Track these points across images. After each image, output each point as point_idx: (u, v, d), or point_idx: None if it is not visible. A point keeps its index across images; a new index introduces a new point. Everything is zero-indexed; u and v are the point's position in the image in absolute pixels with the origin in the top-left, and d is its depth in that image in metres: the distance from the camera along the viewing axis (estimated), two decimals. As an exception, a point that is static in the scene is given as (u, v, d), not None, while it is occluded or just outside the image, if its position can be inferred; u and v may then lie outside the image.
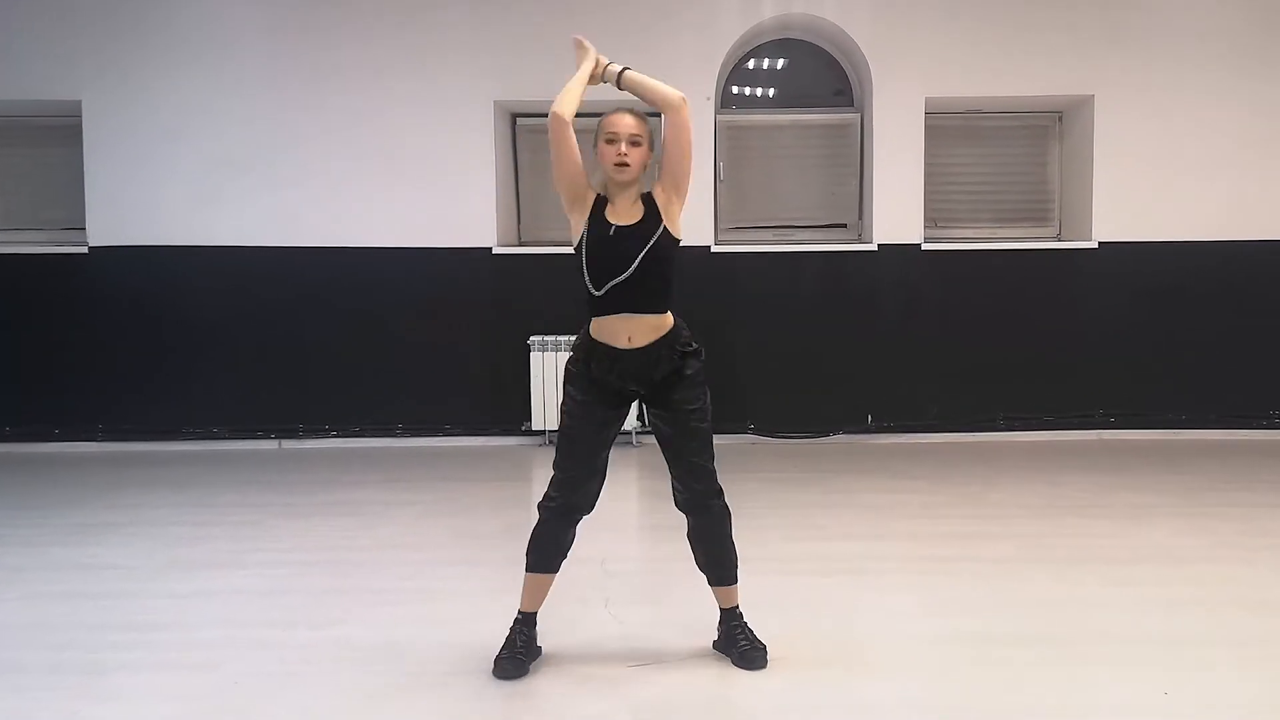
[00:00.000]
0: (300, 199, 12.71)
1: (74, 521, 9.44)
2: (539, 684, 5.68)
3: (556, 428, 5.90)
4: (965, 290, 12.82)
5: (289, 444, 12.92)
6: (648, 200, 5.84)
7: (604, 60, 5.90)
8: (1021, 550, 8.17)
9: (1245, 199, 12.66)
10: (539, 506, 5.82)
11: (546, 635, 6.01)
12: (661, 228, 5.72)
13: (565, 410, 5.83)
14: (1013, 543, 8.39)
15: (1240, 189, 12.65)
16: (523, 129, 13.41)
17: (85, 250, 12.77)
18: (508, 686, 5.63)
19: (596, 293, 5.71)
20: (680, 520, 5.89)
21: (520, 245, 13.29)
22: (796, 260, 12.85)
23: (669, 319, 5.79)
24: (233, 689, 5.68)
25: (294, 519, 9.52)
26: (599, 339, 5.76)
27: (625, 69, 5.87)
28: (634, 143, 5.77)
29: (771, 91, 13.67)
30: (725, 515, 5.93)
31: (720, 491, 5.89)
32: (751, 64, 13.55)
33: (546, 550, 5.84)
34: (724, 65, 12.92)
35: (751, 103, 13.60)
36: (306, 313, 12.84)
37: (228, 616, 6.86)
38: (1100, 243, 12.71)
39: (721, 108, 13.20)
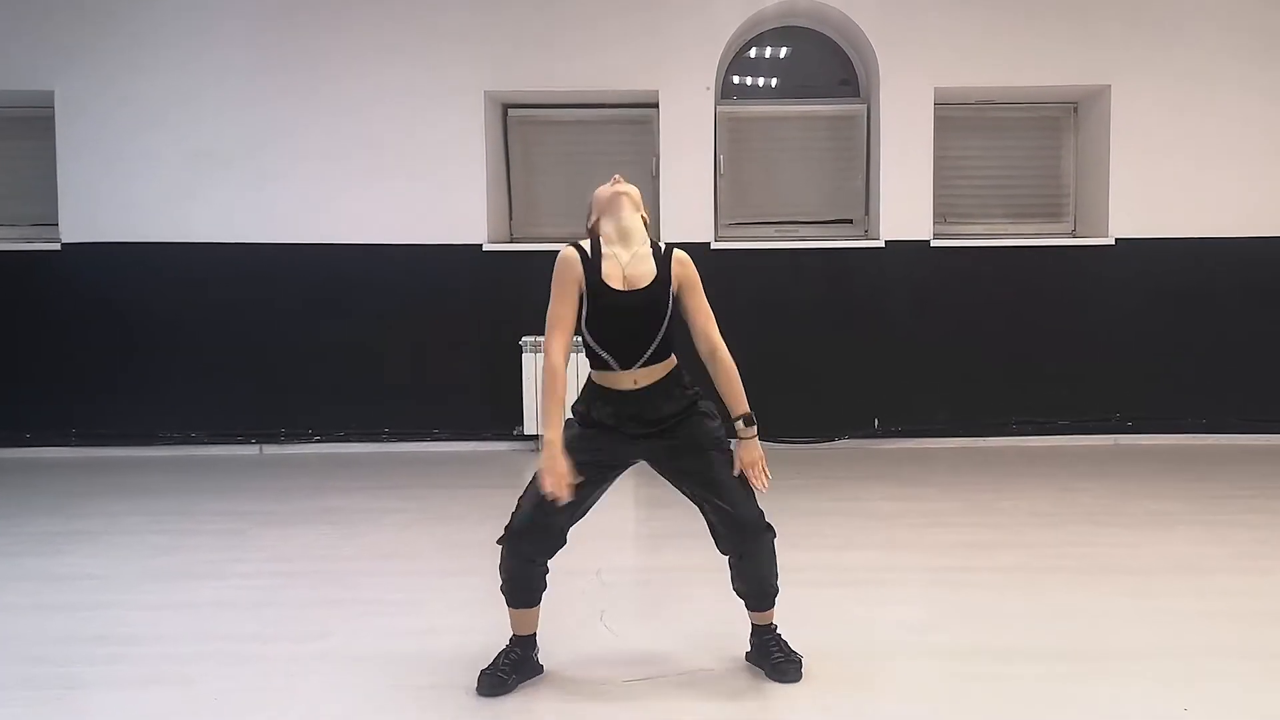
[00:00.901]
0: (282, 193, 12.72)
1: (46, 530, 9.44)
2: (530, 699, 5.68)
3: (535, 477, 5.69)
4: (976, 289, 12.82)
5: (270, 449, 12.92)
6: (659, 261, 5.85)
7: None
8: (1035, 560, 8.17)
9: (1269, 193, 12.67)
10: (502, 545, 5.76)
11: (540, 646, 6.00)
12: (670, 295, 5.77)
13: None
14: (1026, 552, 8.39)
15: (1265, 183, 12.66)
16: (514, 120, 13.40)
17: (58, 247, 12.76)
18: (497, 702, 5.64)
19: (618, 367, 5.75)
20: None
21: (512, 242, 13.28)
22: (800, 257, 12.83)
23: (673, 360, 5.85)
24: (211, 705, 5.68)
25: (276, 527, 9.52)
26: (603, 384, 5.79)
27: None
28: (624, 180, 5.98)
29: (774, 81, 13.68)
30: (772, 544, 5.87)
31: (766, 523, 5.83)
32: (753, 53, 13.55)
33: (520, 590, 5.83)
34: (725, 54, 12.91)
35: (753, 93, 13.61)
36: (289, 312, 12.85)
37: (207, 629, 6.86)
38: (1117, 239, 12.71)
39: (722, 98, 13.22)
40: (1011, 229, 13.37)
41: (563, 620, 6.35)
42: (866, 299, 12.88)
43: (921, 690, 5.79)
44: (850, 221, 13.43)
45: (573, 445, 5.63)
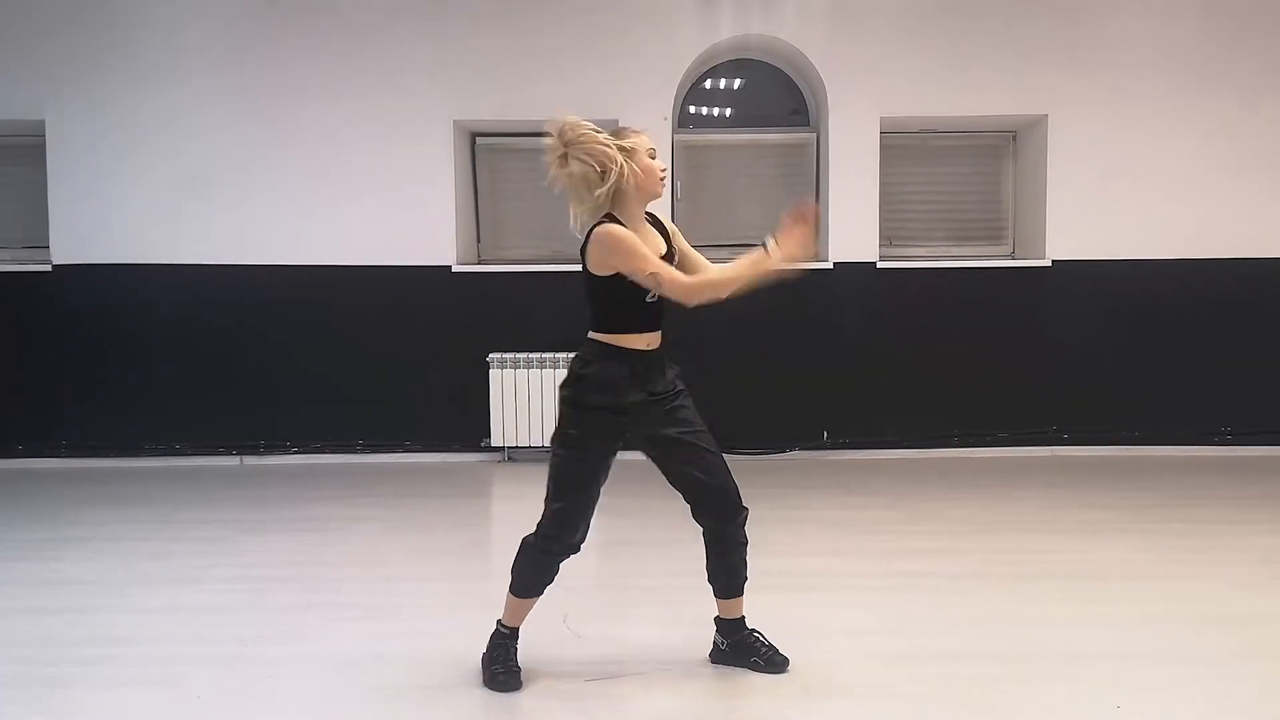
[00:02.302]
0: (262, 217, 12.74)
1: (37, 536, 9.45)
2: (497, 699, 5.73)
3: (559, 458, 5.77)
4: (920, 308, 12.88)
5: (250, 460, 12.91)
6: (655, 224, 6.03)
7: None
8: (978, 566, 8.22)
9: (1198, 218, 12.75)
10: (536, 545, 5.81)
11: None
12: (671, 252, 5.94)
13: (575, 438, 5.74)
14: (968, 559, 8.44)
15: (1193, 208, 12.75)
16: (482, 148, 13.43)
17: (49, 268, 12.75)
18: (466, 701, 5.70)
19: (647, 329, 5.87)
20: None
21: (480, 263, 13.30)
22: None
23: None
24: (195, 705, 5.71)
25: (257, 535, 9.54)
26: (618, 344, 5.76)
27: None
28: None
29: (728, 111, 13.72)
30: (745, 525, 6.07)
31: (743, 503, 6.04)
32: (709, 84, 13.60)
33: (541, 582, 5.90)
34: (681, 85, 12.97)
35: (709, 122, 13.64)
36: (268, 330, 12.86)
37: (190, 632, 6.89)
38: (1054, 261, 12.79)
39: (679, 127, 13.27)
40: (954, 251, 13.44)
41: (527, 623, 6.31)
42: (816, 318, 12.90)
43: (867, 690, 5.85)
44: (800, 244, 13.40)
45: (592, 429, 5.71)
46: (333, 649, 6.51)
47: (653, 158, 5.80)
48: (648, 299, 5.73)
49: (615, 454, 5.80)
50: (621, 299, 5.70)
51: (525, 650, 6.11)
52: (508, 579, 5.96)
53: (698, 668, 6.10)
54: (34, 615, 7.24)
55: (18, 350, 12.85)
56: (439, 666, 6.06)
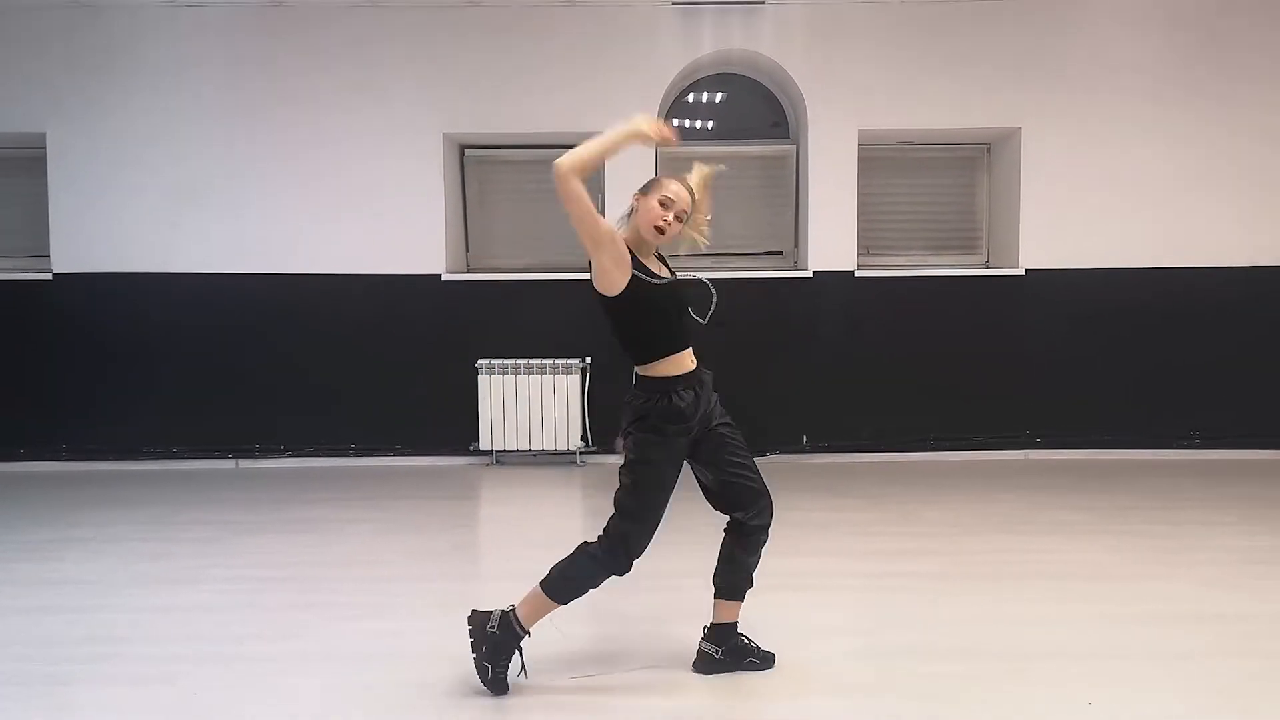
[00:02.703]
0: (256, 226, 12.78)
1: (38, 538, 9.45)
2: (487, 698, 5.74)
3: (637, 489, 5.72)
4: (896, 316, 12.93)
5: (246, 463, 12.91)
6: (662, 259, 6.18)
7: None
8: (956, 566, 8.25)
9: (1167, 227, 12.84)
10: (600, 559, 5.72)
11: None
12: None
13: (653, 468, 5.71)
14: (949, 559, 8.47)
15: (1163, 217, 12.84)
16: (470, 160, 13.47)
17: (49, 277, 12.77)
18: (458, 698, 5.71)
19: (682, 346, 5.89)
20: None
21: (469, 272, 13.29)
22: (735, 286, 12.77)
23: None
24: (191, 701, 5.73)
25: (252, 536, 9.54)
26: (673, 372, 5.78)
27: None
28: (679, 218, 5.90)
29: (711, 124, 13.72)
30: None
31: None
32: (691, 97, 13.62)
33: (586, 590, 5.82)
34: (665, 98, 12.99)
35: (692, 135, 13.62)
36: (263, 337, 12.88)
37: (187, 631, 6.90)
38: (1027, 269, 12.84)
39: (663, 139, 13.20)
40: (929, 260, 13.49)
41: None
42: (796, 325, 12.96)
43: (852, 686, 5.88)
44: (781, 253, 13.49)
45: (670, 457, 5.75)
46: (328, 647, 6.53)
47: (664, 205, 5.82)
48: (669, 324, 5.84)
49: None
50: (646, 316, 5.77)
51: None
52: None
53: (685, 668, 6.10)
54: (34, 615, 7.25)
55: (19, 357, 12.87)
56: (434, 665, 6.07)
